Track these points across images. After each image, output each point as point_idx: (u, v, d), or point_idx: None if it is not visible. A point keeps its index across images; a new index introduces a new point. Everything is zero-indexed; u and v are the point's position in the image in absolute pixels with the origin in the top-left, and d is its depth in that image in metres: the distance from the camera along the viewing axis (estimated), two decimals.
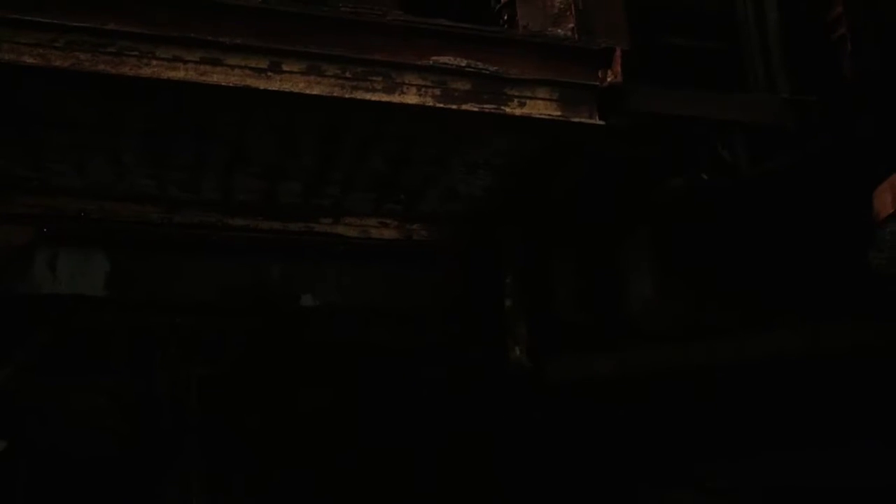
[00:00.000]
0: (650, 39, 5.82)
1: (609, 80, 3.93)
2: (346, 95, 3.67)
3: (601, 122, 3.88)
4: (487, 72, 3.82)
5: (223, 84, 3.57)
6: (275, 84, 3.63)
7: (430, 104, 3.74)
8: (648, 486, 5.52)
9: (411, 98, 3.75)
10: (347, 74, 3.72)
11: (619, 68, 3.94)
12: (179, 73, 3.56)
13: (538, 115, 3.82)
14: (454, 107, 3.75)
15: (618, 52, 3.96)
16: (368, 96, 3.70)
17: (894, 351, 5.06)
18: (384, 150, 4.45)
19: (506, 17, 4.36)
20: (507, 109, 3.83)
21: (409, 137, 4.28)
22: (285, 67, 3.68)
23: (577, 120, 3.87)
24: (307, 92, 3.65)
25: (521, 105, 3.86)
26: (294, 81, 3.66)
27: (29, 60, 3.42)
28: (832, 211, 4.80)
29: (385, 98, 3.71)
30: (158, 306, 5.24)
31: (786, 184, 4.53)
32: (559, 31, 3.97)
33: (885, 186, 4.27)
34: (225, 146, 4.38)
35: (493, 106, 3.79)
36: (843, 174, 4.66)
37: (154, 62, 3.56)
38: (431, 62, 3.80)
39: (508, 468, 5.66)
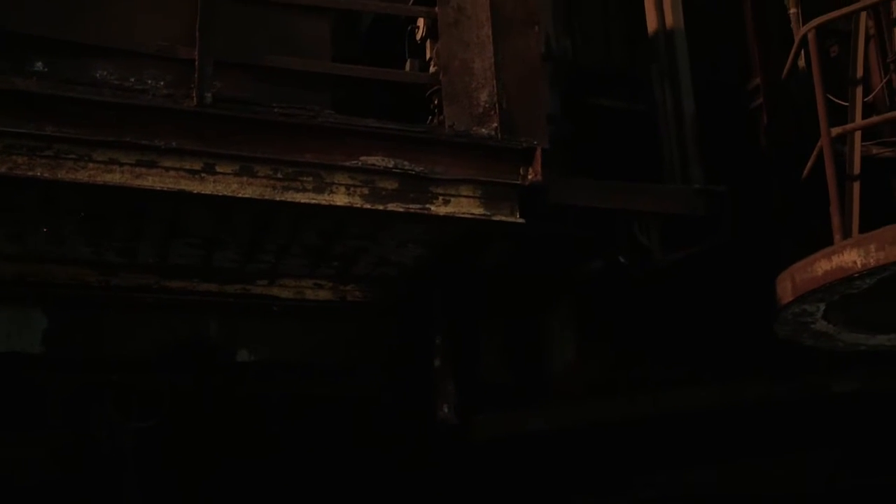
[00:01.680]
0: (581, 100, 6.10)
1: (530, 177, 4.15)
2: (277, 198, 3.83)
3: (521, 221, 4.08)
4: (413, 172, 4.01)
5: (157, 188, 3.71)
6: (208, 187, 3.78)
7: (358, 205, 3.92)
8: (587, 497, 5.83)
9: (340, 198, 3.93)
10: (279, 175, 3.89)
11: (539, 167, 4.15)
12: (115, 177, 3.70)
13: (461, 215, 4.03)
14: (381, 207, 3.94)
15: (538, 151, 4.17)
16: (298, 197, 3.87)
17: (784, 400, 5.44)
18: (317, 228, 4.62)
19: (436, 102, 4.56)
20: (433, 208, 4.02)
21: (340, 219, 4.45)
22: (219, 169, 3.83)
23: (498, 218, 4.08)
24: (239, 195, 3.80)
25: (446, 203, 4.06)
26: (227, 183, 3.82)
27: None
28: (734, 289, 5.14)
29: (314, 199, 3.89)
30: (96, 363, 5.36)
31: (694, 269, 4.83)
32: (483, 130, 4.17)
33: (785, 275, 4.59)
34: (161, 223, 4.51)
35: (418, 206, 3.99)
36: (745, 259, 5.01)
37: (90, 165, 3.69)
38: (360, 163, 3.98)
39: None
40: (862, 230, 4.66)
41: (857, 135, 4.63)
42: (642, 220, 4.68)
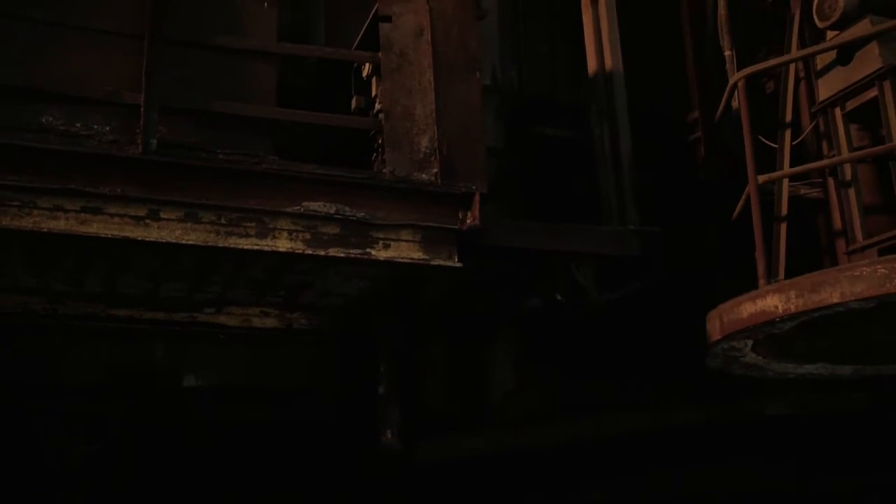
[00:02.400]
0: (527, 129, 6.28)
1: (469, 222, 4.29)
2: (220, 244, 3.93)
3: (459, 265, 4.23)
4: (355, 217, 4.13)
5: (102, 235, 3.79)
6: (152, 233, 3.87)
7: (300, 250, 4.04)
8: (539, 499, 6.03)
9: (283, 243, 4.04)
10: (223, 220, 3.99)
11: (477, 211, 4.29)
12: (60, 224, 3.77)
13: (401, 260, 4.16)
14: (322, 252, 4.06)
15: (477, 197, 4.31)
16: (241, 243, 3.98)
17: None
18: (262, 265, 4.72)
19: (379, 141, 4.67)
20: (373, 252, 4.15)
21: (284, 260, 4.54)
22: (163, 215, 3.92)
23: (436, 263, 4.22)
24: (183, 241, 3.90)
25: (386, 247, 4.19)
26: (171, 229, 3.91)
27: None
28: (672, 318, 5.34)
29: (257, 245, 4.00)
30: (43, 388, 5.42)
31: (632, 300, 5.02)
32: (423, 175, 4.30)
33: (714, 314, 4.78)
34: (107, 260, 4.58)
35: (359, 251, 4.12)
36: (682, 290, 5.21)
37: (35, 212, 3.76)
38: (302, 208, 4.09)
39: None
40: (790, 267, 4.91)
41: (785, 181, 4.83)
42: (579, 259, 4.84)
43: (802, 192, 5.36)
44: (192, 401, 5.69)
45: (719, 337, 4.73)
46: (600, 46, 5.22)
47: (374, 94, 4.93)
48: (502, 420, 5.64)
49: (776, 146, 5.19)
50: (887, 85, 4.34)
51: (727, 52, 5.52)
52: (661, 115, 6.53)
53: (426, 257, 4.22)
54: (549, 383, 5.57)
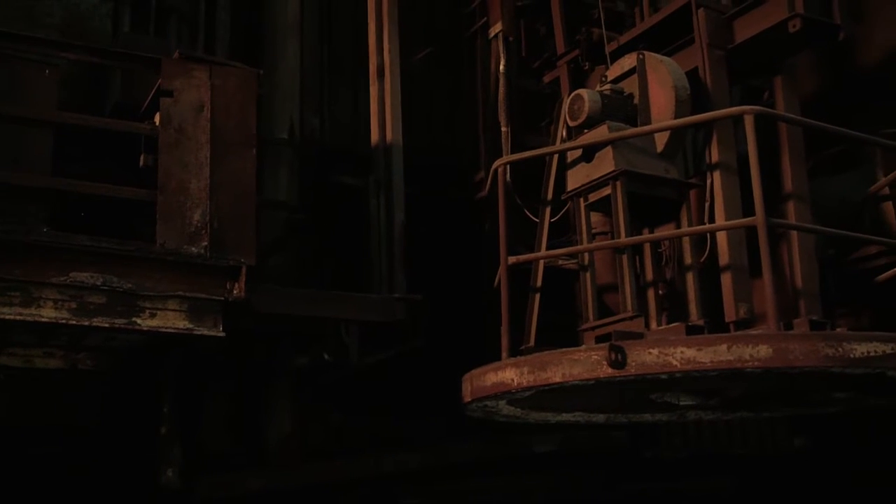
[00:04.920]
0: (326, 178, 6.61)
1: (235, 293, 4.58)
2: None
3: (223, 334, 4.52)
4: (122, 288, 4.36)
5: None
6: None
7: (65, 319, 4.24)
8: None
9: (47, 312, 4.24)
10: None
11: (243, 283, 4.59)
12: None
13: (165, 329, 4.42)
14: (87, 322, 4.27)
15: (244, 269, 4.61)
16: (4, 312, 4.15)
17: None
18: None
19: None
20: (139, 322, 4.40)
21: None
22: None
23: (200, 332, 4.50)
24: None
25: (153, 316, 4.44)
26: None
27: None
28: (445, 366, 5.81)
29: (21, 314, 4.17)
30: None
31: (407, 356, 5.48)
32: (193, 248, 4.56)
33: (466, 377, 5.26)
34: None
35: (124, 320, 4.35)
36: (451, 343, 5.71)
37: None
38: (69, 279, 4.29)
39: None
40: (554, 325, 5.47)
41: (540, 262, 5.36)
42: (347, 322, 5.22)
43: (561, 263, 5.93)
44: None
45: (470, 399, 5.21)
46: (383, 120, 5.59)
47: None
48: (281, 459, 5.98)
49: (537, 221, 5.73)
50: (618, 185, 4.89)
51: (504, 129, 6.03)
52: (454, 167, 7.03)
53: (191, 326, 4.49)
54: (332, 425, 5.96)
